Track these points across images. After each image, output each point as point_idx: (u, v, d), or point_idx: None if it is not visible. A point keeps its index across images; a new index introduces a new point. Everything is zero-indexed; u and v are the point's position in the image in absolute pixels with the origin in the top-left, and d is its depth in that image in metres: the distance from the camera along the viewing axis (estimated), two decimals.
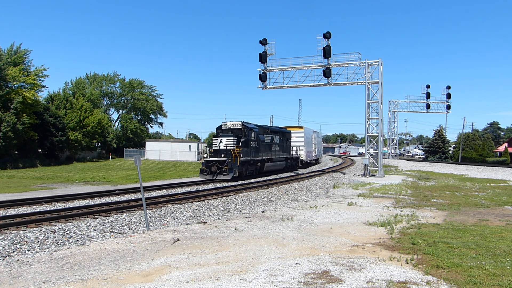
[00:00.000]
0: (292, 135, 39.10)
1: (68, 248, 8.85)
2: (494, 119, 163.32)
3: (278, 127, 38.11)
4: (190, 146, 58.92)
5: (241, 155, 25.78)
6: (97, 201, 16.17)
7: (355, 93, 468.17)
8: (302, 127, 44.06)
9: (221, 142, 26.24)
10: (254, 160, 28.31)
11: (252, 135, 27.98)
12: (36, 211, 13.28)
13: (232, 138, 26.13)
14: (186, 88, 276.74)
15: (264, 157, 30.25)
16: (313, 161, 50.38)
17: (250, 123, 29.58)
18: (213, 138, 27.62)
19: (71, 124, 52.61)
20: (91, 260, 7.58)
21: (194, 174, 32.90)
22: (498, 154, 70.26)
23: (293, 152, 39.00)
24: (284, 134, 36.38)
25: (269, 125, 36.35)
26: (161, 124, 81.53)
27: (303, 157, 41.60)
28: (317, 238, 9.33)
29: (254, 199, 17.10)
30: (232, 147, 25.67)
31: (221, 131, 27.41)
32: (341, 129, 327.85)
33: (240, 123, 27.07)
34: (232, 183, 23.80)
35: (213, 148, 26.68)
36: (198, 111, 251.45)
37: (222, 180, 24.87)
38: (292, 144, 38.68)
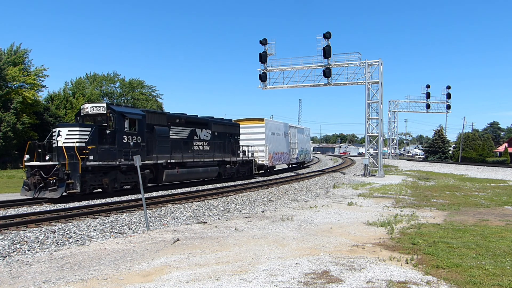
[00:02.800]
0: (243, 130, 28.96)
1: (68, 248, 8.85)
2: (494, 119, 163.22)
3: (212, 117, 25.76)
4: None
5: (92, 157, 16.49)
6: (97, 201, 16.17)
7: (355, 93, 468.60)
8: (262, 120, 31.25)
9: (59, 136, 16.48)
10: (125, 165, 17.99)
11: (128, 124, 18.17)
12: (36, 211, 13.28)
13: (79, 130, 16.65)
14: (186, 88, 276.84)
15: (163, 161, 20.11)
16: (295, 165, 40.46)
17: (129, 107, 22.52)
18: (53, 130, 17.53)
19: None
20: (91, 260, 7.58)
21: None
22: (498, 154, 70.27)
23: (248, 154, 28.95)
24: (225, 127, 26.25)
25: (191, 115, 23.69)
26: None
27: (263, 161, 30.39)
28: (317, 238, 9.33)
29: (254, 199, 17.09)
30: (76, 144, 15.97)
31: (81, 119, 18.39)
32: (341, 129, 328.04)
33: (105, 105, 17.86)
34: (232, 183, 23.72)
35: (53, 146, 16.92)
36: (198, 111, 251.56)
37: (48, 200, 15.62)
38: (244, 142, 29.11)
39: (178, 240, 9.20)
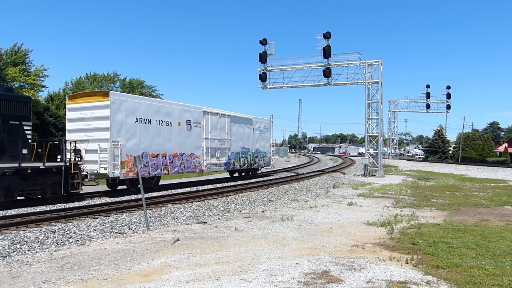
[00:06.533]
0: (73, 113, 18.54)
1: (68, 248, 8.85)
2: (494, 119, 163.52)
3: None
4: None
5: None
6: (97, 201, 16.18)
7: (355, 93, 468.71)
8: (107, 95, 17.74)
9: None
10: None
11: None
12: (36, 211, 13.28)
13: None
14: (186, 88, 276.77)
15: None
16: (235, 172, 29.24)
17: None
18: None
19: None
20: (91, 260, 7.58)
21: (193, 175, 32.57)
22: (498, 154, 70.23)
23: (67, 157, 15.66)
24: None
25: None
26: None
27: (105, 169, 17.09)
28: (317, 238, 9.33)
29: (254, 199, 17.10)
30: None
31: None
32: (341, 129, 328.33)
33: None
34: (232, 183, 23.70)
35: None
36: None
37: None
38: (76, 135, 17.75)
39: (178, 240, 9.20)
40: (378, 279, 6.22)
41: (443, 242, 8.67)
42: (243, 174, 29.36)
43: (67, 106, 18.76)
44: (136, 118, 18.58)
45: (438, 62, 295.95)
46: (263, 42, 32.14)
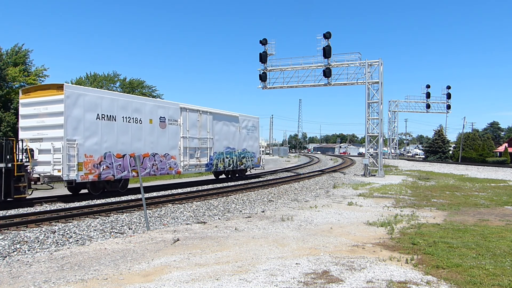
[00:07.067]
0: (26, 109, 16.96)
1: (68, 248, 8.85)
2: (494, 119, 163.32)
3: None
4: None
5: None
6: (97, 201, 16.17)
7: (355, 93, 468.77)
8: (61, 88, 15.96)
9: None
10: None
11: None
12: (36, 211, 13.28)
13: None
14: (186, 88, 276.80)
15: None
16: (221, 173, 27.42)
17: None
18: None
19: None
20: (91, 260, 7.58)
21: (193, 175, 32.41)
22: (498, 154, 70.24)
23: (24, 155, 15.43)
24: None
25: None
26: None
27: (59, 171, 15.39)
28: (317, 238, 9.33)
29: (254, 199, 17.10)
30: None
31: None
32: (341, 129, 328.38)
33: None
34: (233, 183, 23.69)
35: None
36: None
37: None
38: (29, 134, 16.50)
39: (178, 240, 9.20)
40: (378, 279, 6.22)
41: (443, 242, 8.67)
42: (230, 176, 27.64)
43: (20, 101, 17.04)
44: (98, 114, 16.75)
45: (438, 62, 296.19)
46: (263, 42, 32.14)
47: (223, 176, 27.99)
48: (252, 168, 29.65)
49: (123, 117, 17.94)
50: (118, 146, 17.58)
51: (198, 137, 22.63)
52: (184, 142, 21.44)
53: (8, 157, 14.09)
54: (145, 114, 19.12)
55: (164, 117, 20.25)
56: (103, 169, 16.73)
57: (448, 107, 61.05)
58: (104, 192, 17.65)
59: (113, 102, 17.67)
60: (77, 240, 9.59)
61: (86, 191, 17.47)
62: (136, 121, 18.62)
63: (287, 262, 7.23)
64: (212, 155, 23.78)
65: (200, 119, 22.91)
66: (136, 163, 11.38)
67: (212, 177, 28.94)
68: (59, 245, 9.17)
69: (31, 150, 15.70)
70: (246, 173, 29.75)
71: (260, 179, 27.84)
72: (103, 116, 17.06)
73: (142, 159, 18.62)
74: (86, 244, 9.24)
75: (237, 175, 27.84)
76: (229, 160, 25.66)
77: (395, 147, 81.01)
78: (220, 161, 24.68)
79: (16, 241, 9.17)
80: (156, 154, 19.61)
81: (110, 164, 17.11)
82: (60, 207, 14.23)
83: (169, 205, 14.78)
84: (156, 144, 19.67)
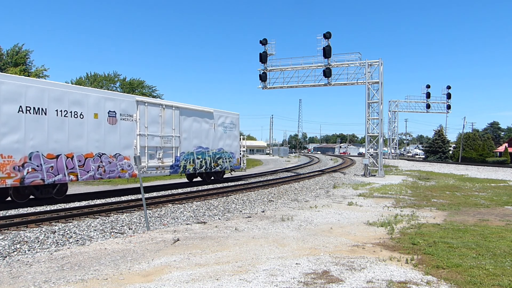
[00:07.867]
0: None
1: (68, 248, 8.85)
2: (494, 119, 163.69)
3: None
4: None
5: None
6: (97, 201, 16.17)
7: (355, 93, 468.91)
8: None
9: None
10: None
11: None
12: (36, 211, 13.28)
13: None
14: (186, 88, 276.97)
15: None
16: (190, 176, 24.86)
17: None
18: None
19: None
20: (91, 260, 7.58)
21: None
22: (498, 154, 70.29)
23: None
24: None
25: None
26: None
27: None
28: (317, 238, 9.33)
29: (254, 199, 17.09)
30: None
31: None
32: (341, 129, 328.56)
33: None
34: (233, 183, 23.67)
35: None
36: None
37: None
38: None
39: (178, 240, 9.20)
40: (378, 279, 6.22)
41: (443, 242, 8.67)
42: (204, 179, 24.54)
43: None
44: (20, 106, 14.05)
45: (438, 62, 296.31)
46: (263, 42, 32.17)
47: (199, 179, 25.09)
48: (232, 170, 26.42)
49: (57, 110, 15.16)
50: (50, 145, 14.86)
51: (160, 135, 19.78)
52: (141, 141, 18.63)
53: None
54: (88, 107, 16.30)
55: (114, 112, 17.43)
56: (27, 172, 14.00)
57: (448, 107, 61.08)
58: (34, 199, 15.25)
59: (43, 92, 14.77)
60: (77, 240, 9.59)
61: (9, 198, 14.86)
62: (76, 116, 15.83)
63: (287, 262, 7.23)
64: (178, 155, 20.89)
65: (163, 114, 20.03)
66: (136, 163, 11.37)
67: (161, 182, 25.61)
68: (59, 245, 9.17)
69: None
70: (224, 176, 26.57)
71: (242, 182, 25.03)
72: (29, 108, 14.31)
73: (83, 161, 16.09)
74: (86, 244, 9.24)
75: (212, 178, 24.82)
76: (201, 162, 22.64)
77: (395, 147, 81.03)
78: (189, 163, 21.68)
79: (16, 241, 9.17)
80: (103, 154, 16.85)
81: (38, 166, 14.43)
82: (60, 207, 14.23)
83: (169, 205, 14.78)
84: (104, 142, 16.86)
